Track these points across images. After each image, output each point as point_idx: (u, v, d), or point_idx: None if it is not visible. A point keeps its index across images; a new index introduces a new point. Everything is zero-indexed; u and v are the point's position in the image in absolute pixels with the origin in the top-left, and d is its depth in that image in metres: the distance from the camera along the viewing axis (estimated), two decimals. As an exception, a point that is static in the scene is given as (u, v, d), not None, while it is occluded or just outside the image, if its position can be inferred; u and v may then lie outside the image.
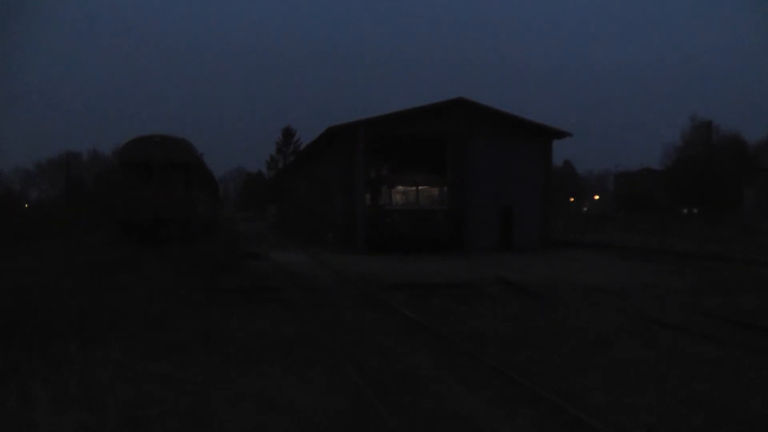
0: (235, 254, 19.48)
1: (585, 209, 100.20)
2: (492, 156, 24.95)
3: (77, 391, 5.67)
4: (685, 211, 69.51)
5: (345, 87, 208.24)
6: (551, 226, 27.40)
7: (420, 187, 23.51)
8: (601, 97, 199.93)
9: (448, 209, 23.52)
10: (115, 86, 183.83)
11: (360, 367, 6.54)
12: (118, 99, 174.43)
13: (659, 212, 63.43)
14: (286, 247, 26.65)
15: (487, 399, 5.56)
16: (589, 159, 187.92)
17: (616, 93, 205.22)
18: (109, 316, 8.83)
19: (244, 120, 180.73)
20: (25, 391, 5.62)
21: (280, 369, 6.50)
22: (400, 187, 23.68)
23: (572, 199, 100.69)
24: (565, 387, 5.90)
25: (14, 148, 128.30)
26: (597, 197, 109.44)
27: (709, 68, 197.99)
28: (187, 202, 22.30)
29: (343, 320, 9.30)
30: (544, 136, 25.80)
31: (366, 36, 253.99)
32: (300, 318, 9.39)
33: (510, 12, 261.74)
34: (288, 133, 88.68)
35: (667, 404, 5.46)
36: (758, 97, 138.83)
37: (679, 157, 70.74)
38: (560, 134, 26.01)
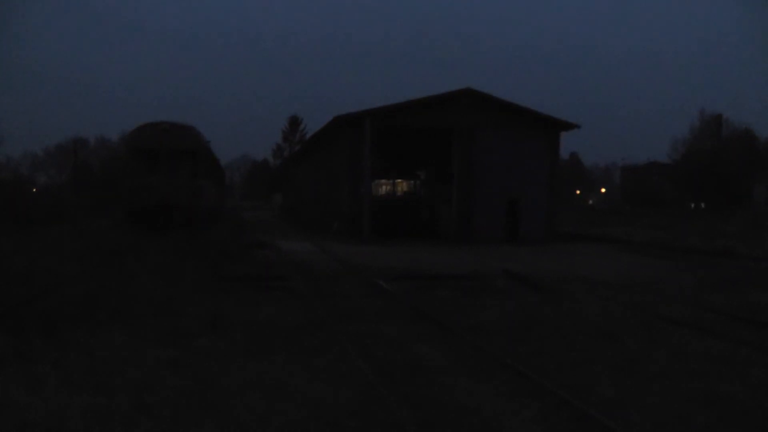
0: (241, 242, 19.54)
1: (591, 202, 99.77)
2: (499, 147, 24.83)
3: (86, 375, 5.72)
4: (693, 205, 69.08)
5: (353, 76, 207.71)
6: (557, 219, 27.33)
7: (396, 180, 28.97)
8: (609, 89, 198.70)
9: (418, 199, 28.87)
10: (123, 73, 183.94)
11: (366, 357, 6.54)
12: (126, 85, 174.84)
13: (666, 206, 63.03)
14: (291, 236, 26.71)
15: (493, 390, 5.56)
16: (596, 151, 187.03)
17: (625, 85, 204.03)
18: (116, 301, 8.89)
19: (250, 107, 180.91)
20: (35, 374, 5.67)
21: (286, 356, 6.52)
22: (382, 180, 28.80)
23: (578, 192, 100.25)
24: (572, 380, 5.90)
25: (23, 134, 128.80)
26: (604, 190, 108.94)
27: (720, 60, 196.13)
28: (193, 190, 22.31)
29: (349, 310, 9.31)
30: (551, 127, 25.61)
31: (375, 25, 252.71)
32: (306, 307, 9.41)
33: (517, 1, 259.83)
34: (294, 122, 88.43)
35: (673, 400, 5.43)
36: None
37: (688, 151, 70.06)
38: (568, 126, 25.82)
